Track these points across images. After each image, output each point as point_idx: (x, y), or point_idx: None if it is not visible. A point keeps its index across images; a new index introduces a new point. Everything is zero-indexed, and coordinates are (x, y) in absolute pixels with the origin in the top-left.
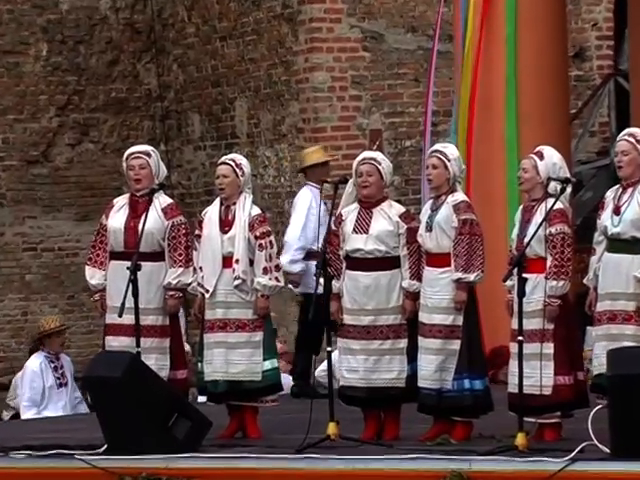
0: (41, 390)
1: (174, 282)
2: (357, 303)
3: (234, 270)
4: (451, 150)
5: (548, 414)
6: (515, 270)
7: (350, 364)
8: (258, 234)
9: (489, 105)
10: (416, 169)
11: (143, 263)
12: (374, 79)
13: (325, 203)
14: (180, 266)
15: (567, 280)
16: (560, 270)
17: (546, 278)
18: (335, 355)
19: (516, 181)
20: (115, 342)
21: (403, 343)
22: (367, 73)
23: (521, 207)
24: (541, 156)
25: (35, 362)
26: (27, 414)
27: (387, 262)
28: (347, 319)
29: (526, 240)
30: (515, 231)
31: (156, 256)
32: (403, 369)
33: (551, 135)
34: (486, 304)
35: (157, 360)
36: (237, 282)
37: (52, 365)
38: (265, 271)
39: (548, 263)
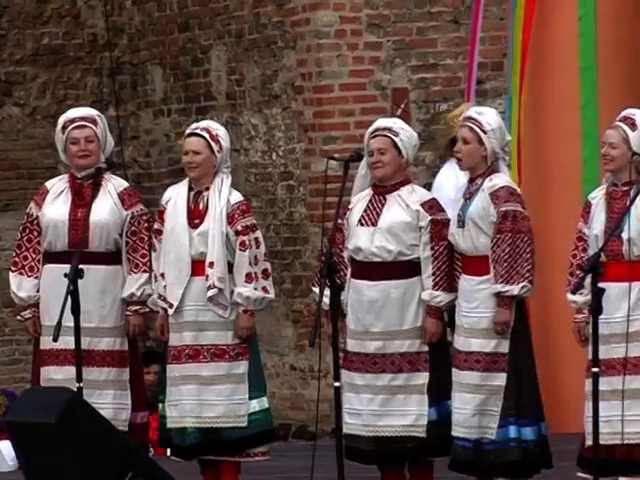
0: None
1: (138, 293)
2: (361, 323)
3: (207, 277)
4: (488, 118)
5: None
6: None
7: (352, 405)
8: (240, 228)
9: (547, 56)
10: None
11: (94, 267)
12: (398, 20)
13: None
14: (144, 271)
15: None
16: None
17: None
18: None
19: (597, 159)
20: (59, 374)
21: (423, 378)
22: (388, 12)
23: (602, 194)
24: (632, 125)
25: None
26: None
27: (400, 267)
28: (350, 344)
29: (625, 236)
30: (598, 227)
31: (111, 257)
32: (423, 413)
33: (634, 95)
34: (555, 327)
35: (115, 398)
36: (211, 293)
37: None
38: (249, 278)
39: None
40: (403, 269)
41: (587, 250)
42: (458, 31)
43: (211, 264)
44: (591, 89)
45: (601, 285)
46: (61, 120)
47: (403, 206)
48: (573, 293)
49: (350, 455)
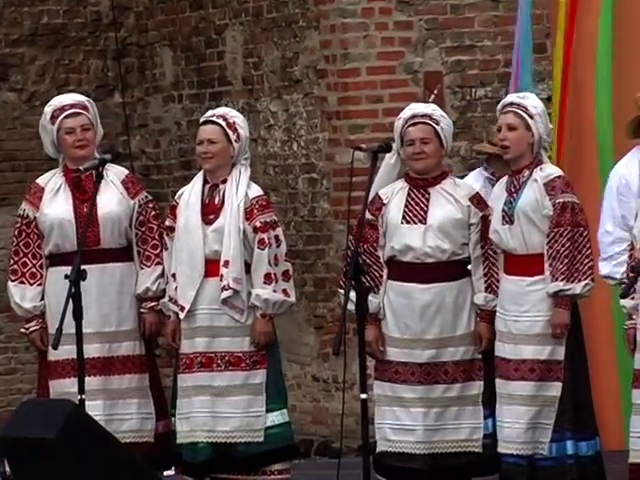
0: None
1: (154, 287)
2: (411, 330)
3: (222, 277)
4: (532, 101)
5: None
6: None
7: (400, 421)
8: (258, 225)
9: (584, 39)
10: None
11: (111, 265)
12: None
13: None
14: (157, 263)
15: None
16: None
17: None
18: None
19: (609, 145)
20: (75, 387)
21: (477, 388)
22: None
23: None
24: None
25: None
26: None
27: (453, 268)
28: (393, 354)
29: None
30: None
31: (125, 253)
32: (478, 426)
33: None
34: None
35: (140, 407)
36: (226, 294)
37: None
38: (268, 279)
39: None
40: (455, 270)
41: None
42: (496, 9)
43: (226, 263)
44: (606, 71)
45: None
46: (48, 109)
47: (452, 201)
48: (623, 297)
49: (394, 476)
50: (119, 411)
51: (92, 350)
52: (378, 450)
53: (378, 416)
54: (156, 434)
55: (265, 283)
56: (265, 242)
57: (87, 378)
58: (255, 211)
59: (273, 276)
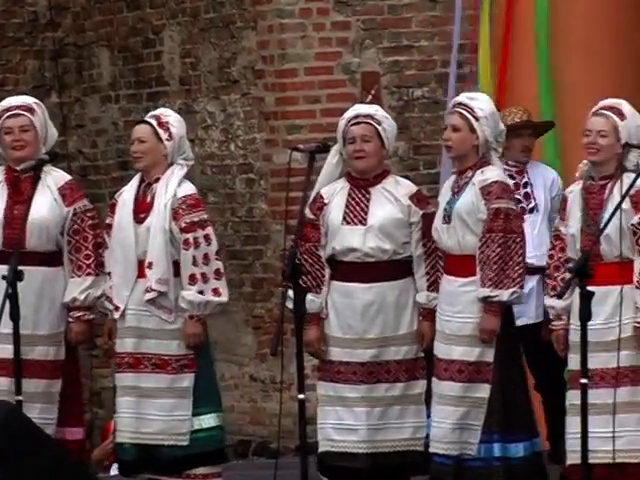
0: None
1: (81, 297)
2: (353, 330)
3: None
4: (480, 103)
5: None
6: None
7: (343, 420)
8: (183, 225)
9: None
10: (430, 131)
11: (31, 268)
12: None
13: None
14: (89, 273)
15: None
16: None
17: (637, 288)
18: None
19: (555, 146)
20: None
21: (420, 387)
22: None
23: (578, 188)
24: (620, 114)
25: None
26: None
27: (395, 267)
28: (336, 353)
29: (603, 235)
30: (574, 224)
31: (51, 258)
32: (421, 425)
33: (623, 78)
34: None
35: (41, 412)
36: (148, 296)
37: None
38: (192, 280)
39: (637, 266)
40: (397, 269)
41: (565, 250)
42: (434, 9)
43: (150, 264)
44: (545, 64)
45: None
46: None
47: (392, 200)
48: (560, 297)
49: (336, 476)
50: None
51: (4, 351)
52: (320, 450)
53: (321, 416)
54: (64, 441)
55: (190, 284)
56: (190, 243)
57: (1, 379)
58: (181, 211)
59: (199, 276)
